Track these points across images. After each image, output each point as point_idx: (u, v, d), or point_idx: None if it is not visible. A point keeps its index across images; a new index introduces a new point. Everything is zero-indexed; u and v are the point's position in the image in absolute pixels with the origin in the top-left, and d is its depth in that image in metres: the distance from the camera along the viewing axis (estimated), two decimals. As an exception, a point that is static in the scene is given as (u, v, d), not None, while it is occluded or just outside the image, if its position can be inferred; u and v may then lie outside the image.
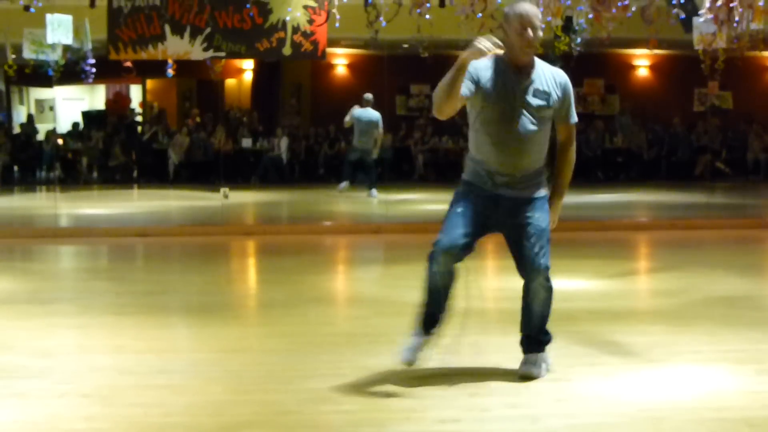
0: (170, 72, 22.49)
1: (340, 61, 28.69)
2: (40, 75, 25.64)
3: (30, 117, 30.47)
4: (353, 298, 9.95)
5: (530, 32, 6.16)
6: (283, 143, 26.03)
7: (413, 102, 29.68)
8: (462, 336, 7.00)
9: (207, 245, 14.93)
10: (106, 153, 27.19)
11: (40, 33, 20.44)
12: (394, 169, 26.55)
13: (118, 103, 32.28)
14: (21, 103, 33.22)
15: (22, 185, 26.66)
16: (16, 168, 27.99)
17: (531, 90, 6.33)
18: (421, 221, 16.59)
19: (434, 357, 6.66)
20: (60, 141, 28.20)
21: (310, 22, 17.11)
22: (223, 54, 17.77)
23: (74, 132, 28.91)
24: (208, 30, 17.17)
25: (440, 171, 26.58)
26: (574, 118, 6.51)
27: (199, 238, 15.41)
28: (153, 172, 26.37)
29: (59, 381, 6.42)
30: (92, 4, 19.36)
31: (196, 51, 17.42)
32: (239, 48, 17.48)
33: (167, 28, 17.20)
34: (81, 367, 6.75)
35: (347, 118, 21.09)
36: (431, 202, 20.49)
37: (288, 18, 17.03)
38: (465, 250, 6.59)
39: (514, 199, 6.45)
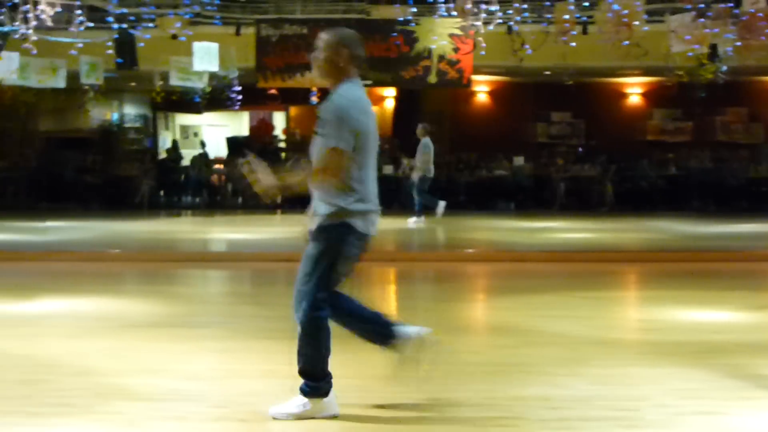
0: (314, 99, 22.74)
1: (481, 88, 28.68)
2: (186, 102, 26.17)
3: (175, 143, 31.06)
4: (500, 327, 9.90)
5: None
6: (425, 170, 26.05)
7: (554, 129, 29.55)
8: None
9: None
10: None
11: (186, 61, 20.83)
12: (535, 197, 26.43)
13: (261, 129, 32.73)
14: (166, 128, 33.91)
15: (167, 209, 27.15)
16: (161, 192, 28.53)
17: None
18: (564, 250, 16.51)
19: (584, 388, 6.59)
20: (205, 166, 28.69)
21: (456, 50, 17.15)
22: (369, 82, 17.90)
23: (218, 158, 29.41)
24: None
25: (581, 199, 26.37)
26: (326, 144, 6.24)
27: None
28: (297, 198, 26.54)
29: (215, 405, 6.51)
30: (238, 32, 19.67)
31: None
32: (385, 76, 17.62)
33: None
34: (234, 391, 6.83)
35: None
36: (573, 231, 20.36)
37: (434, 46, 17.11)
38: None
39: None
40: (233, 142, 31.23)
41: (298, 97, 27.25)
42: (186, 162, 29.70)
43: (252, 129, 33.55)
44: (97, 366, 7.71)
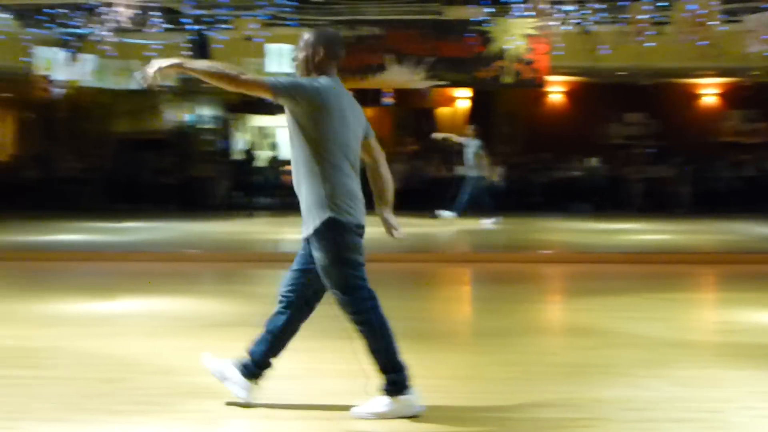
0: (388, 100, 22.76)
1: (556, 88, 28.53)
2: (260, 103, 26.26)
3: (249, 144, 31.22)
4: (578, 328, 9.83)
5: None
6: (498, 171, 25.99)
7: (629, 130, 29.33)
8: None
9: (424, 272, 15.02)
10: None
11: (259, 62, 20.94)
12: (610, 199, 26.27)
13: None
14: (240, 130, 34.07)
15: (242, 210, 27.30)
16: (237, 193, 28.69)
17: None
18: (641, 252, 16.40)
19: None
20: (280, 168, 28.82)
21: (531, 50, 17.08)
22: (444, 83, 17.91)
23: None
24: (430, 59, 17.33)
25: (658, 200, 26.16)
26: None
27: (416, 265, 15.50)
28: (369, 199, 26.55)
29: (298, 403, 6.55)
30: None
31: (417, 80, 17.60)
32: (460, 77, 17.60)
33: (390, 58, 17.43)
34: (316, 390, 6.84)
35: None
36: (650, 232, 20.22)
37: (509, 47, 17.06)
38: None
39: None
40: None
41: (371, 97, 27.30)
42: (260, 163, 29.87)
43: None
44: (178, 365, 7.77)
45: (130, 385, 7.15)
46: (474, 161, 21.17)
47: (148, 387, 7.06)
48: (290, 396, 6.77)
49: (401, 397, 6.34)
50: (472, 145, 21.09)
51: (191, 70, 6.17)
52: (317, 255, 6.41)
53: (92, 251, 16.66)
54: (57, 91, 22.60)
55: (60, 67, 20.79)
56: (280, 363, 7.56)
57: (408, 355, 8.23)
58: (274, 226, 23.27)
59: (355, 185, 6.44)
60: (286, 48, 20.27)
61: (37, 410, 6.43)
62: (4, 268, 15.58)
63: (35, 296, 12.16)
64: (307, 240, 6.51)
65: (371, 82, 18.60)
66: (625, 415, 6.32)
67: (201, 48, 19.71)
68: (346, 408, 6.42)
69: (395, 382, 6.37)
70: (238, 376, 6.47)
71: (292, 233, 20.65)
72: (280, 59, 20.30)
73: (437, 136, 21.91)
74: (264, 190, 28.51)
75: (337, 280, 6.45)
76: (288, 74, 6.20)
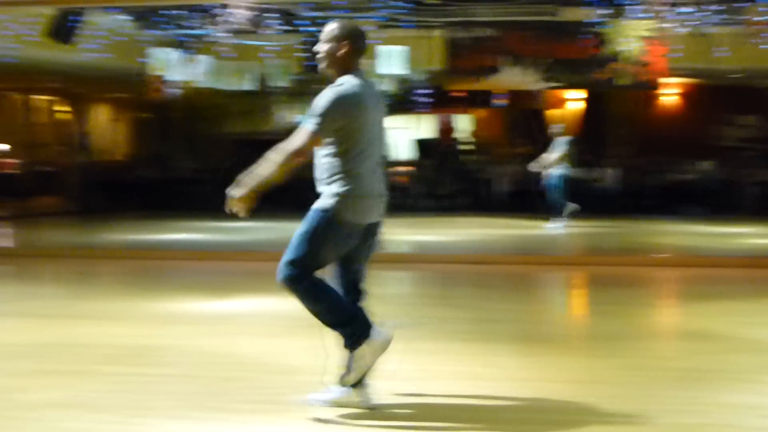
0: (499, 102, 22.69)
1: (669, 90, 28.20)
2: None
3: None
4: (696, 332, 9.69)
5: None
6: (611, 174, 25.80)
7: (742, 133, 28.87)
8: None
9: (537, 275, 14.96)
10: (435, 181, 27.66)
11: (371, 64, 21.01)
12: (724, 202, 25.87)
13: (445, 132, 32.80)
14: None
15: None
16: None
17: None
18: (760, 256, 16.16)
19: None
20: (389, 169, 28.86)
21: (646, 52, 16.90)
22: (559, 84, 17.82)
23: (403, 160, 29.57)
24: (545, 61, 17.25)
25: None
26: (307, 123, 6.29)
27: (529, 267, 15.44)
28: (480, 201, 26.56)
29: (422, 405, 6.54)
30: (425, 36, 19.74)
31: (532, 81, 17.53)
32: (574, 78, 17.50)
33: (504, 60, 17.38)
34: (442, 392, 6.83)
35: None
36: (765, 236, 19.91)
37: (624, 48, 16.91)
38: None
39: None
40: (417, 144, 31.35)
41: (483, 99, 27.26)
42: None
43: (435, 131, 33.65)
44: (297, 364, 7.83)
45: (249, 384, 7.22)
46: (560, 159, 20.97)
47: (267, 386, 7.13)
48: (411, 397, 6.76)
49: (366, 344, 6.41)
50: (561, 144, 20.90)
51: (264, 179, 6.35)
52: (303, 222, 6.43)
53: (207, 251, 16.88)
54: (171, 92, 22.90)
55: (175, 68, 21.06)
56: (402, 365, 7.61)
57: (524, 358, 8.25)
58: (383, 226, 23.34)
59: (374, 183, 6.53)
60: (397, 50, 20.30)
61: (158, 407, 6.52)
62: (120, 266, 15.85)
63: (152, 295, 12.35)
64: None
65: (485, 84, 18.56)
66: (753, 422, 6.23)
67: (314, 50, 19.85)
68: (467, 410, 6.41)
69: (352, 333, 6.45)
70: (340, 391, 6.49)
71: (401, 234, 20.77)
72: (391, 61, 20.33)
73: (533, 167, 21.91)
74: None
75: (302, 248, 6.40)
76: (322, 103, 6.21)
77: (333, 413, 6.32)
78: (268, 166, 6.29)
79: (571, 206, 20.77)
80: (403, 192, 28.33)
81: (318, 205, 6.39)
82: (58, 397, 6.80)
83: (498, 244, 18.68)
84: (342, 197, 6.33)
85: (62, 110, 34.99)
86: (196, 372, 7.58)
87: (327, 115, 6.20)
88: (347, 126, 6.26)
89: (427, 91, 24.14)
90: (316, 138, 6.22)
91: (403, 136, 33.05)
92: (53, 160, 33.65)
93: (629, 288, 13.41)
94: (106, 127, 35.24)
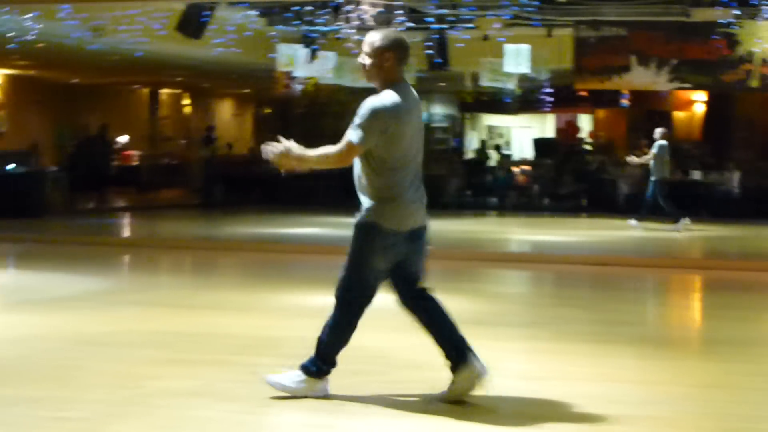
0: (624, 102, 22.48)
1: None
2: (494, 102, 26.35)
3: (483, 143, 31.30)
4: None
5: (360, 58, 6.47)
6: (735, 177, 25.39)
7: None
8: None
9: (662, 277, 14.80)
10: (557, 181, 27.51)
11: (497, 62, 20.94)
12: None
13: (568, 132, 32.63)
14: (473, 129, 34.23)
15: (474, 210, 27.36)
16: (468, 192, 28.77)
17: None
18: None
19: None
20: (513, 168, 28.82)
21: (780, 54, 16.59)
22: (688, 85, 17.57)
23: (524, 159, 29.51)
24: (674, 61, 17.02)
25: None
26: (351, 127, 6.28)
27: (654, 270, 15.28)
28: (602, 202, 26.30)
29: (550, 405, 6.50)
30: (550, 34, 19.62)
31: (661, 82, 17.31)
32: (704, 79, 17.22)
33: (633, 60, 17.19)
34: (570, 393, 6.79)
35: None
36: None
37: (757, 50, 16.61)
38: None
39: None
40: (540, 143, 31.24)
41: (607, 99, 27.02)
42: (492, 162, 29.93)
43: (558, 131, 33.51)
44: (424, 360, 7.79)
45: (377, 378, 7.24)
46: (657, 163, 20.68)
47: (399, 381, 7.15)
48: (544, 398, 6.72)
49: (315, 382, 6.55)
50: (657, 148, 20.62)
51: (303, 160, 6.36)
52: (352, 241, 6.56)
53: (331, 245, 16.98)
54: (297, 88, 23.08)
55: (301, 64, 21.22)
56: (526, 365, 7.60)
57: (647, 360, 8.18)
58: (503, 225, 23.29)
59: (414, 191, 6.52)
60: (524, 48, 20.20)
61: (285, 398, 6.55)
62: (243, 258, 16.05)
63: (276, 287, 12.48)
64: None
65: (613, 84, 18.37)
66: None
67: (441, 47, 19.85)
68: (593, 411, 6.36)
69: (320, 371, 6.56)
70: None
71: (521, 234, 20.73)
72: (518, 59, 20.24)
73: (632, 161, 21.71)
74: (495, 189, 28.49)
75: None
76: (364, 114, 6.22)
77: (462, 405, 6.32)
78: (311, 158, 6.36)
79: (668, 210, 20.60)
80: (523, 191, 28.24)
81: (359, 220, 6.49)
82: (188, 385, 6.91)
83: (618, 246, 18.50)
84: (381, 207, 6.40)
85: (188, 104, 35.53)
86: (324, 365, 7.61)
87: (368, 127, 6.23)
88: (387, 137, 6.28)
89: (551, 90, 24.00)
90: (357, 149, 6.27)
91: (526, 135, 32.97)
92: (178, 153, 34.21)
93: (751, 293, 13.20)
94: (230, 121, 35.70)
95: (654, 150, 20.47)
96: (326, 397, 6.52)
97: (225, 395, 6.65)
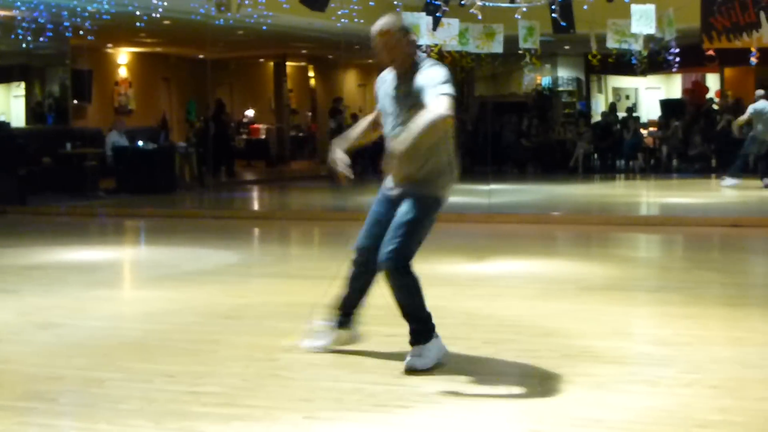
0: (753, 60, 22.02)
1: None
2: (621, 64, 26.02)
3: (612, 106, 30.95)
4: None
5: (374, 44, 6.53)
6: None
7: None
8: None
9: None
10: (685, 142, 27.12)
11: (624, 23, 20.65)
12: None
13: (695, 92, 32.10)
14: (599, 91, 33.89)
15: (602, 173, 27.16)
16: (596, 156, 28.55)
17: (399, 96, 6.53)
18: None
19: None
20: (642, 131, 28.49)
21: None
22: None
23: (652, 121, 29.11)
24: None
25: None
26: (436, 84, 6.25)
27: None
28: (731, 163, 25.81)
29: (684, 371, 6.42)
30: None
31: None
32: None
33: (762, 16, 16.83)
34: (702, 357, 6.72)
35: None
36: None
37: None
38: (372, 249, 6.68)
39: (399, 195, 6.65)
40: (667, 105, 30.80)
41: (735, 57, 26.42)
42: (619, 125, 29.61)
43: (685, 91, 32.98)
44: (561, 327, 7.80)
45: (514, 346, 7.22)
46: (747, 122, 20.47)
47: (532, 349, 7.11)
48: (677, 363, 6.65)
49: (432, 342, 6.67)
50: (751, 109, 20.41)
51: (413, 140, 6.22)
52: (407, 209, 6.57)
53: (459, 212, 16.98)
54: (421, 56, 23.06)
55: (425, 32, 21.19)
56: (662, 329, 7.51)
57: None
58: (631, 189, 23.04)
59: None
60: (649, 8, 19.90)
61: (420, 372, 6.57)
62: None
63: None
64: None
65: (744, 42, 18.01)
66: None
67: (565, 10, 19.66)
68: (731, 375, 6.29)
69: (429, 332, 6.69)
70: None
71: (650, 196, 20.48)
72: (645, 20, 19.93)
73: (735, 127, 21.54)
74: (623, 152, 28.18)
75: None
76: (444, 74, 6.22)
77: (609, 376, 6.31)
78: (417, 136, 6.21)
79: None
80: (652, 153, 27.89)
81: (424, 191, 6.56)
82: (324, 357, 6.97)
83: (750, 207, 18.20)
84: (443, 179, 6.60)
85: (314, 76, 35.76)
86: (457, 334, 7.63)
87: (451, 87, 6.29)
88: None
89: (679, 50, 23.59)
90: (452, 105, 6.26)
91: (652, 96, 32.51)
92: (305, 125, 34.47)
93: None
94: (356, 92, 35.84)
95: (749, 111, 20.45)
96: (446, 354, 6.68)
97: (360, 366, 6.71)
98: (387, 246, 6.48)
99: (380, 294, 9.36)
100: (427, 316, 6.70)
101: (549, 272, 11.10)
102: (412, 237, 6.52)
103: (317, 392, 6.11)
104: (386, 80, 6.72)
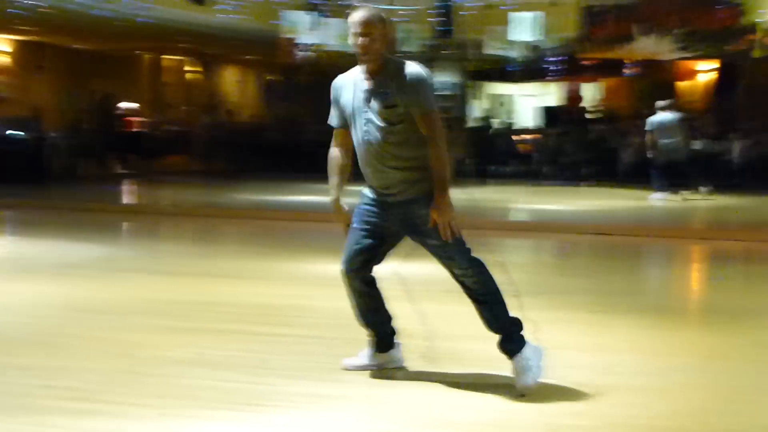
0: (628, 71, 22.44)
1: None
2: (497, 71, 26.32)
3: (486, 111, 31.23)
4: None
5: (358, 39, 6.04)
6: (738, 147, 25.32)
7: None
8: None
9: (662, 247, 14.80)
10: (558, 150, 27.47)
11: (501, 30, 20.90)
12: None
13: (571, 101, 32.55)
14: (475, 97, 34.16)
15: (474, 178, 27.34)
16: (469, 161, 28.72)
17: (373, 94, 6.11)
18: None
19: None
20: (515, 137, 28.79)
21: (785, 24, 16.52)
22: (691, 55, 17.54)
23: (527, 128, 29.43)
24: (678, 31, 16.96)
25: None
26: (427, 106, 6.05)
27: (653, 239, 15.27)
28: (603, 171, 26.29)
29: (546, 376, 6.50)
30: (555, 2, 19.57)
31: (664, 52, 17.27)
32: (708, 49, 17.18)
33: (637, 29, 17.14)
34: (560, 363, 6.76)
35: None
36: None
37: (760, 20, 16.56)
38: (365, 263, 6.51)
39: (400, 202, 6.27)
40: (542, 112, 31.16)
41: (611, 68, 26.91)
42: (495, 131, 29.89)
43: (562, 99, 33.43)
44: (424, 329, 7.79)
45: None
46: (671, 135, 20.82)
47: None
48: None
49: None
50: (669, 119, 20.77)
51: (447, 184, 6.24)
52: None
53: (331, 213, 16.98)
54: (301, 55, 23.03)
55: (306, 31, 21.18)
56: (525, 335, 7.56)
57: (647, 330, 8.21)
58: (503, 194, 23.24)
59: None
60: (527, 16, 20.16)
61: (281, 367, 6.60)
62: (246, 226, 16.05)
63: (277, 255, 12.49)
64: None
65: (618, 53, 18.30)
66: None
67: (446, 15, 19.80)
68: (591, 382, 6.37)
69: (521, 336, 6.53)
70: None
71: (522, 202, 20.69)
72: (522, 28, 20.19)
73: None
74: (497, 158, 28.42)
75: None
76: (428, 78, 6.16)
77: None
78: (446, 166, 6.18)
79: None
80: (526, 160, 28.20)
81: (426, 188, 6.30)
82: (183, 354, 6.92)
83: (620, 215, 18.50)
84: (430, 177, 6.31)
85: (192, 70, 35.48)
86: (321, 333, 7.64)
87: (432, 90, 6.18)
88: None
89: (556, 59, 23.96)
90: (439, 114, 6.19)
91: (531, 103, 32.88)
92: (181, 120, 34.19)
93: (752, 263, 13.23)
94: (234, 88, 35.67)
95: (649, 127, 20.73)
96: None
97: (220, 364, 6.67)
98: (459, 263, 6.58)
99: (247, 293, 9.34)
100: (516, 321, 6.69)
101: (415, 274, 11.10)
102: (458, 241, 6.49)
103: (173, 389, 6.06)
104: (345, 85, 6.29)
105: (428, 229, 6.26)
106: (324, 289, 9.81)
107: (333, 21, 21.44)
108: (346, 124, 6.34)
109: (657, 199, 20.54)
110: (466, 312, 7.92)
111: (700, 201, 20.60)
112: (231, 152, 28.94)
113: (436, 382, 6.29)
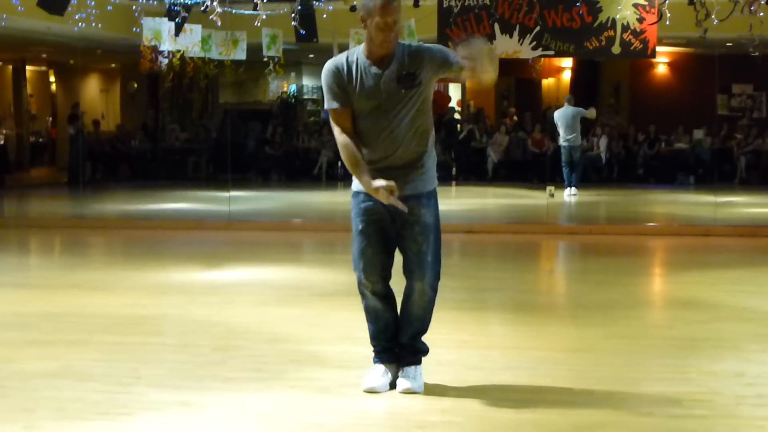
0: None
1: (662, 59, 28.13)
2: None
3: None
4: (686, 301, 9.69)
5: (387, 26, 5.89)
6: (603, 143, 25.80)
7: (735, 102, 28.82)
8: None
9: (530, 243, 15.01)
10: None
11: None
12: (716, 171, 25.86)
13: (437, 101, 32.72)
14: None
15: (344, 181, 27.37)
16: (339, 164, 28.78)
17: (401, 79, 6.00)
18: (751, 224, 16.21)
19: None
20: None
21: (640, 20, 16.80)
22: (551, 53, 17.71)
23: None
24: (537, 29, 17.13)
25: (764, 173, 25.67)
26: (447, 52, 6.05)
27: (523, 237, 15.48)
28: (471, 170, 26.57)
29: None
30: (416, 4, 19.63)
31: (525, 50, 17.40)
32: (568, 47, 17.36)
33: (497, 27, 17.26)
34: (426, 360, 6.83)
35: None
36: (757, 206, 19.97)
37: (618, 16, 16.81)
38: (385, 265, 6.30)
39: (402, 197, 6.02)
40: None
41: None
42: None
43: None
44: (289, 333, 7.85)
45: (242, 353, 7.23)
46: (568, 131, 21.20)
47: (259, 355, 7.14)
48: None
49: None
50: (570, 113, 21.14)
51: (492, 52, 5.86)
52: (426, 212, 6.17)
53: (198, 220, 16.88)
54: (163, 62, 22.79)
55: (167, 38, 20.96)
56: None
57: (515, 326, 8.33)
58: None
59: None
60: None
61: (149, 376, 6.55)
62: (112, 237, 15.84)
63: (143, 265, 12.35)
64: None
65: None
66: (738, 390, 6.25)
67: (306, 18, 19.74)
68: (455, 379, 6.43)
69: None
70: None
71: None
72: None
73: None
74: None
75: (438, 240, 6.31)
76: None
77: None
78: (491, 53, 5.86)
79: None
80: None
81: (428, 189, 6.23)
82: (48, 366, 6.82)
83: (491, 213, 18.71)
84: (434, 168, 6.37)
85: (53, 81, 34.92)
86: (188, 341, 7.61)
87: None
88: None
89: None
90: None
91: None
92: (45, 131, 33.63)
93: (622, 257, 13.49)
94: (97, 97, 35.17)
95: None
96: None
97: (86, 375, 6.60)
98: (428, 266, 6.25)
99: (111, 303, 9.23)
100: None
101: (284, 279, 11.14)
102: (437, 242, 6.24)
103: (39, 402, 5.99)
104: (348, 70, 6.06)
105: (416, 227, 6.13)
106: (188, 296, 9.78)
107: (195, 27, 21.22)
108: (351, 106, 6.09)
109: (571, 195, 20.91)
110: (333, 316, 7.97)
111: (569, 197, 20.93)
112: (97, 162, 28.52)
113: (301, 385, 6.28)
